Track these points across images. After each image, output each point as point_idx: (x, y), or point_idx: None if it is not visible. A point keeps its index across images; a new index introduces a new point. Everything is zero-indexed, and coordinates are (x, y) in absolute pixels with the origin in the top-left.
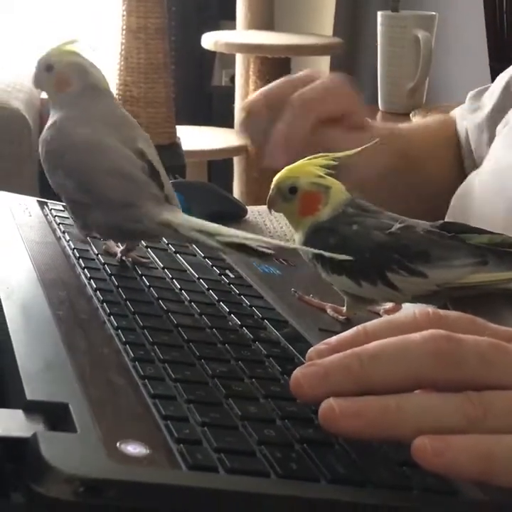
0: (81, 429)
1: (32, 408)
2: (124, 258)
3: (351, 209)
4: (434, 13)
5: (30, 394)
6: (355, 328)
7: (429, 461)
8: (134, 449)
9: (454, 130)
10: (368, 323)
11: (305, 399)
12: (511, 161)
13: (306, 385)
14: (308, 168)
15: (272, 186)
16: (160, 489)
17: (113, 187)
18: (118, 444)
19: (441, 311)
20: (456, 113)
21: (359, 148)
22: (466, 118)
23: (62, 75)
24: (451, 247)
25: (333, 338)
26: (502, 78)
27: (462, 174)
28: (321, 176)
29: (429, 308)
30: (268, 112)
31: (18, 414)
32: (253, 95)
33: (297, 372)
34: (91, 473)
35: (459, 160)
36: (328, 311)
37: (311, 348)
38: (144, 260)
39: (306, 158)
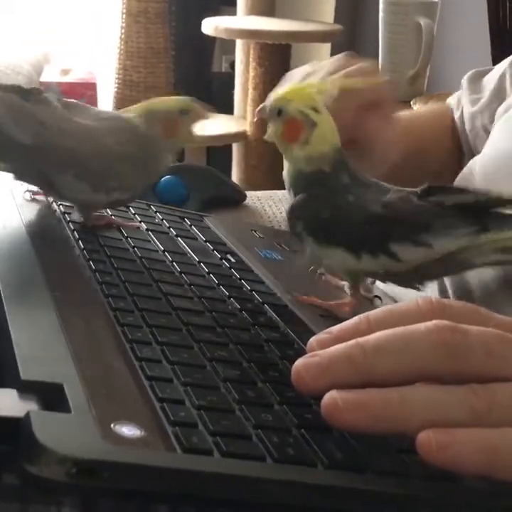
0: (75, 409)
1: (26, 388)
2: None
3: (346, 178)
4: (436, 0)
5: (25, 374)
6: (357, 317)
7: (434, 455)
8: (128, 430)
9: (450, 119)
10: (371, 312)
11: (307, 390)
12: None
13: (308, 376)
14: (309, 92)
15: (268, 99)
16: (154, 471)
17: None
18: (112, 426)
19: (445, 300)
20: (453, 101)
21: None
22: (464, 104)
23: None
24: (449, 216)
25: (335, 327)
26: (499, 68)
27: (461, 163)
28: (315, 109)
29: (432, 297)
30: None
31: (12, 393)
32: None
33: (298, 363)
34: (84, 454)
35: (458, 149)
36: (334, 310)
37: (312, 338)
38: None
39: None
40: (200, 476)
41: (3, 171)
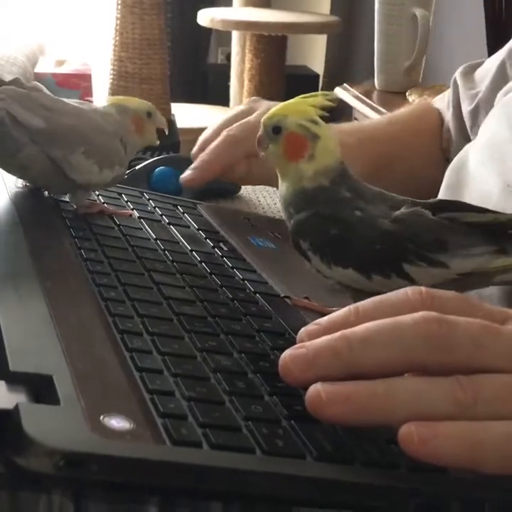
0: (64, 401)
1: (15, 379)
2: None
3: (347, 193)
4: None
5: (14, 365)
6: (346, 308)
7: (416, 449)
8: (117, 423)
9: (437, 122)
10: (360, 303)
11: (293, 382)
12: (506, 136)
13: (294, 368)
14: (302, 107)
15: (261, 125)
16: (142, 464)
17: None
18: (102, 418)
19: (434, 290)
20: (441, 104)
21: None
22: (462, 102)
23: None
24: (466, 234)
25: (324, 319)
26: (497, 58)
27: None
28: (313, 121)
29: (422, 288)
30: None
31: (1, 385)
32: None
33: (286, 355)
34: (72, 446)
35: (445, 150)
36: None
37: (302, 329)
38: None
39: (302, 96)
40: (188, 469)
41: (8, 171)
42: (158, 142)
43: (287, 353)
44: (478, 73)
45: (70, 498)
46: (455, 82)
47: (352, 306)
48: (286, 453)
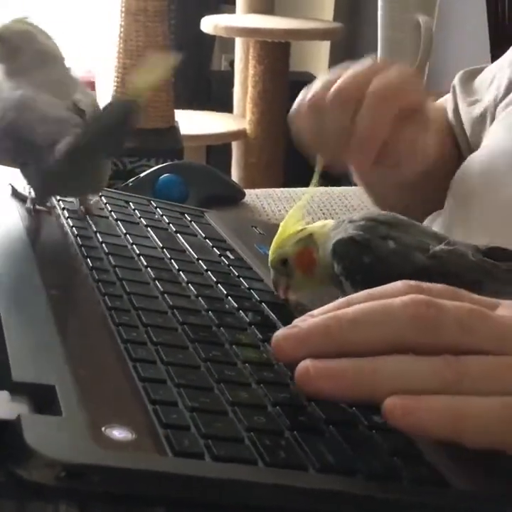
0: (66, 412)
1: (18, 390)
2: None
3: (368, 222)
4: None
5: (17, 375)
6: (338, 300)
7: (398, 419)
8: (119, 434)
9: (446, 118)
10: (352, 295)
11: (285, 360)
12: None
13: (287, 346)
14: (287, 230)
15: (271, 271)
16: (144, 476)
17: (42, 133)
18: (104, 429)
19: (425, 283)
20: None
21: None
22: (462, 109)
23: (11, 44)
24: (506, 281)
25: (317, 310)
26: (498, 67)
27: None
28: (301, 230)
29: (412, 281)
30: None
31: (4, 395)
32: (314, 89)
33: (278, 333)
34: (73, 458)
35: (457, 148)
36: None
37: (296, 319)
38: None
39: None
40: (190, 480)
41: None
42: None
43: (280, 332)
44: (479, 81)
45: (76, 508)
46: (454, 87)
47: (343, 299)
48: (288, 464)
